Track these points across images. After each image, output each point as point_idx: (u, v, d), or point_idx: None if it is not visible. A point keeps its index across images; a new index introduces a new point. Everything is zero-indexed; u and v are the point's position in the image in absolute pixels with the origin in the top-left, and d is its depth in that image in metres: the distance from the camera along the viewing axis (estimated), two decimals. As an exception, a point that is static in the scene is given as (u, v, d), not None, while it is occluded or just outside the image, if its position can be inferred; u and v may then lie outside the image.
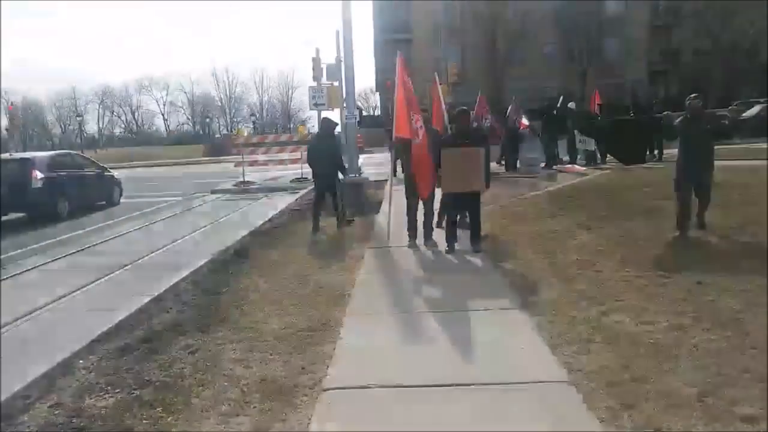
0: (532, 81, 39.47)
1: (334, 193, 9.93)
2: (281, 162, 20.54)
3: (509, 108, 17.29)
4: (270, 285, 6.51)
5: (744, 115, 25.78)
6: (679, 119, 7.72)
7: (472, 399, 3.58)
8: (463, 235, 7.76)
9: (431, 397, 3.65)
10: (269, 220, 11.66)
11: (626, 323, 4.69)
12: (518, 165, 16.27)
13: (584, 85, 37.95)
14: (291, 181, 19.04)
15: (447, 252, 7.58)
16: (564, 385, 3.70)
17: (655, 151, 15.78)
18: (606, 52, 43.01)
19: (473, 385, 3.75)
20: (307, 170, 17.94)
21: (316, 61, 17.58)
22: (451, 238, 7.65)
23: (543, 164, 16.22)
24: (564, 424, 3.22)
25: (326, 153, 9.71)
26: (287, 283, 6.53)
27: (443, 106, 9.98)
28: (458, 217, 7.89)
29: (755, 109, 25.81)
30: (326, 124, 10.26)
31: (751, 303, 4.90)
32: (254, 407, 3.68)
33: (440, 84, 25.60)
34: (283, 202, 14.89)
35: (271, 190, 18.09)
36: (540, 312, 5.08)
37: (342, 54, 13.94)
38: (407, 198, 8.24)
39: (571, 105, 17.38)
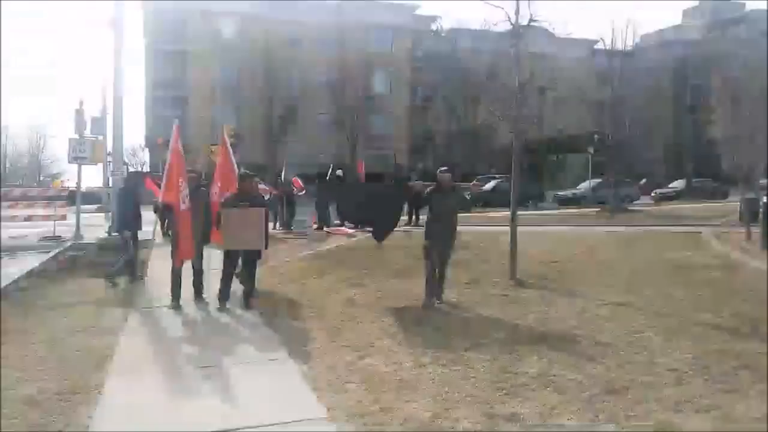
0: (306, 146, 41.40)
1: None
2: (30, 218, 18.32)
3: (283, 170, 18.11)
4: (20, 351, 5.94)
5: (484, 188, 30.42)
6: (429, 189, 8.08)
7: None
8: (235, 295, 7.96)
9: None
10: (15, 282, 10.39)
11: (378, 365, 5.35)
12: (292, 226, 16.96)
13: (355, 155, 40.99)
14: (40, 240, 17.01)
15: (219, 309, 7.72)
16: (323, 420, 4.14)
17: (413, 217, 17.88)
18: (374, 126, 47.26)
19: (240, 429, 3.98)
20: (61, 227, 16.39)
21: (79, 113, 16.46)
22: (224, 296, 7.82)
23: (315, 226, 17.14)
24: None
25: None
26: (40, 349, 6.02)
27: (233, 163, 9.65)
28: (234, 274, 8.05)
29: (491, 184, 30.62)
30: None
31: (478, 342, 5.95)
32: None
33: (214, 145, 25.31)
34: (31, 262, 13.30)
35: (13, 249, 15.94)
36: (305, 360, 5.50)
37: (111, 107, 13.38)
38: (173, 259, 8.17)
39: (339, 172, 18.82)
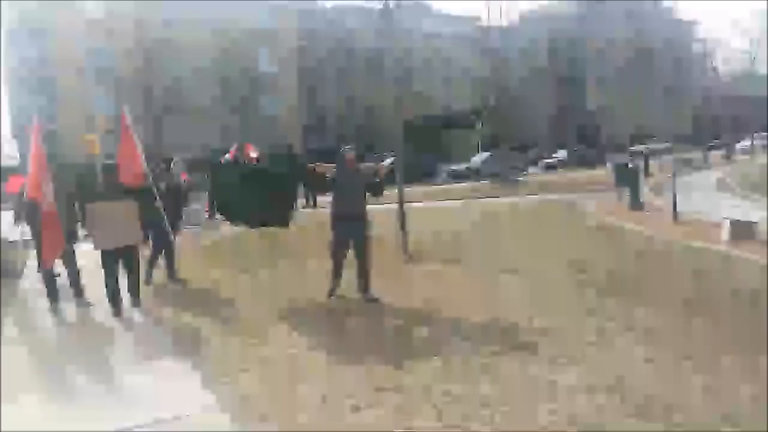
0: (191, 131, 39.68)
1: None
2: None
3: (172, 161, 17.07)
4: None
5: (381, 164, 30.72)
6: (333, 171, 7.10)
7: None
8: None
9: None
10: None
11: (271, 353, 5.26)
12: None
13: (245, 137, 39.90)
14: None
15: (115, 315, 6.98)
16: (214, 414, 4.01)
17: (310, 201, 17.81)
18: (262, 107, 46.03)
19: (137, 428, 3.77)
20: None
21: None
22: (116, 299, 7.07)
23: (207, 215, 16.49)
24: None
25: None
26: None
27: (138, 149, 8.13)
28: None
29: (387, 161, 30.98)
30: None
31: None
32: None
33: (89, 135, 23.51)
34: None
35: None
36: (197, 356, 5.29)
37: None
38: (39, 260, 7.52)
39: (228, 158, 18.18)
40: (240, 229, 14.00)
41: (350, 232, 6.83)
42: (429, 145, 48.74)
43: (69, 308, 7.43)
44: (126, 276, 7.36)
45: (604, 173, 23.59)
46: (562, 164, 37.41)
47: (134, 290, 7.38)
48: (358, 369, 4.73)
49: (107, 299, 7.11)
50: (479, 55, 34.34)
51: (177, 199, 9.22)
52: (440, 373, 4.54)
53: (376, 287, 6.97)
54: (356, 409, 4.01)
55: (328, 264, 7.08)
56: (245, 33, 41.90)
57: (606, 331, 5.31)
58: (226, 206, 7.64)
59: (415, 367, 4.67)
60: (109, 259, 7.18)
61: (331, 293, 6.97)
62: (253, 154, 10.74)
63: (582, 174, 26.24)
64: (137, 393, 4.50)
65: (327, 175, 7.05)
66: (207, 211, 16.26)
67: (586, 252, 8.77)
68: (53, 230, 7.06)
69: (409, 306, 6.55)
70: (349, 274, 7.02)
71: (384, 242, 9.87)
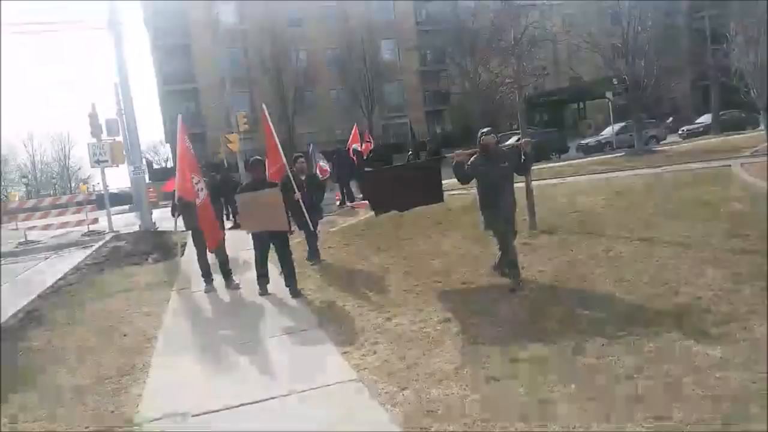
0: (322, 123, 41.47)
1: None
2: (63, 225, 18.87)
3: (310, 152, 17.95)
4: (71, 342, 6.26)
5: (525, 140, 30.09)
6: (472, 158, 6.51)
7: (276, 411, 4.02)
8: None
9: (241, 416, 4.00)
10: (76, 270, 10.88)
11: (405, 324, 5.49)
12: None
13: (371, 126, 40.84)
14: (83, 235, 17.49)
15: (260, 294, 7.57)
16: (353, 382, 4.31)
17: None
18: (387, 95, 46.85)
19: (276, 398, 4.18)
20: (95, 225, 16.87)
21: (93, 117, 16.76)
22: (262, 280, 7.70)
23: (338, 202, 17.30)
24: (352, 414, 3.80)
25: None
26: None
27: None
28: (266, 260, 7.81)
29: (513, 139, 30.28)
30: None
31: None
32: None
33: (230, 133, 25.38)
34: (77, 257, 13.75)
35: (59, 247, 16.47)
36: (337, 329, 5.67)
37: (122, 107, 13.62)
38: (196, 248, 8.40)
39: (355, 146, 18.82)
40: (368, 213, 14.48)
41: (500, 220, 6.37)
42: (558, 120, 46.94)
43: (221, 290, 8.24)
44: (281, 267, 7.64)
45: (753, 137, 21.33)
46: (707, 130, 34.26)
47: (291, 281, 7.50)
48: (495, 341, 4.83)
49: (256, 279, 7.72)
50: (609, 22, 32.28)
51: (317, 190, 9.59)
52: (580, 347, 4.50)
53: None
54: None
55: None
56: (366, 25, 42.78)
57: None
58: (375, 195, 7.64)
59: (552, 339, 4.68)
60: (259, 244, 7.72)
61: (497, 269, 6.61)
62: (368, 144, 10.77)
63: (729, 139, 23.86)
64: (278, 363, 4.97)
65: (467, 165, 6.46)
66: (337, 198, 17.24)
67: (730, 221, 8.06)
68: (210, 222, 7.87)
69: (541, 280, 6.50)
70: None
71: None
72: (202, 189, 7.85)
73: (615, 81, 26.88)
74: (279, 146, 8.70)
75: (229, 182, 13.89)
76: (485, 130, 6.51)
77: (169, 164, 48.18)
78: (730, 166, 14.33)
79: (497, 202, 6.34)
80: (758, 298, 4.90)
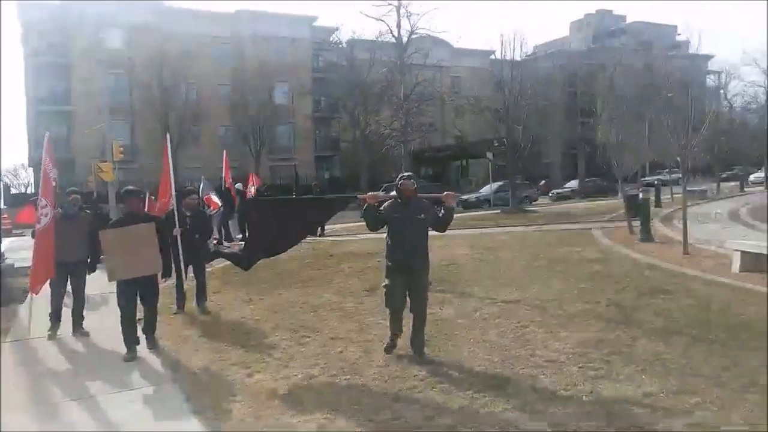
0: (207, 159, 40.07)
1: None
2: None
3: (201, 186, 17.11)
4: None
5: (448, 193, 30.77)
6: (388, 203, 5.86)
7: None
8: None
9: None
10: None
11: (267, 381, 5.22)
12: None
13: (258, 167, 40.13)
14: None
15: (126, 360, 6.15)
16: None
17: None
18: (278, 137, 46.47)
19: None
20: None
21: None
22: (130, 341, 6.30)
23: (215, 241, 16.58)
24: None
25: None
26: None
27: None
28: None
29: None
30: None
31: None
32: None
33: (102, 162, 23.73)
34: None
35: None
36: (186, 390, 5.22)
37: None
38: (50, 286, 7.31)
39: (239, 186, 18.32)
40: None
41: (410, 273, 5.63)
42: (441, 175, 48.93)
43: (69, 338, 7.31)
44: (144, 310, 6.59)
45: (615, 203, 23.44)
46: (573, 194, 37.53)
47: (150, 328, 6.60)
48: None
49: (126, 345, 6.27)
50: (493, 88, 34.53)
51: (203, 226, 8.71)
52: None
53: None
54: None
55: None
56: (262, 66, 42.44)
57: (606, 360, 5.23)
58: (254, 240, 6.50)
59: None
60: (125, 299, 6.37)
61: (389, 349, 5.80)
62: (256, 187, 10.65)
63: (592, 204, 26.09)
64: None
65: (380, 209, 5.78)
66: (214, 238, 16.50)
67: (589, 283, 8.66)
68: (43, 255, 6.91)
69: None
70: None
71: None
72: (46, 215, 6.92)
73: (495, 143, 28.60)
74: (172, 179, 8.58)
75: (99, 215, 12.56)
76: (405, 174, 5.95)
77: (30, 190, 44.06)
78: (591, 229, 15.62)
79: (409, 254, 5.61)
80: (603, 362, 5.21)
